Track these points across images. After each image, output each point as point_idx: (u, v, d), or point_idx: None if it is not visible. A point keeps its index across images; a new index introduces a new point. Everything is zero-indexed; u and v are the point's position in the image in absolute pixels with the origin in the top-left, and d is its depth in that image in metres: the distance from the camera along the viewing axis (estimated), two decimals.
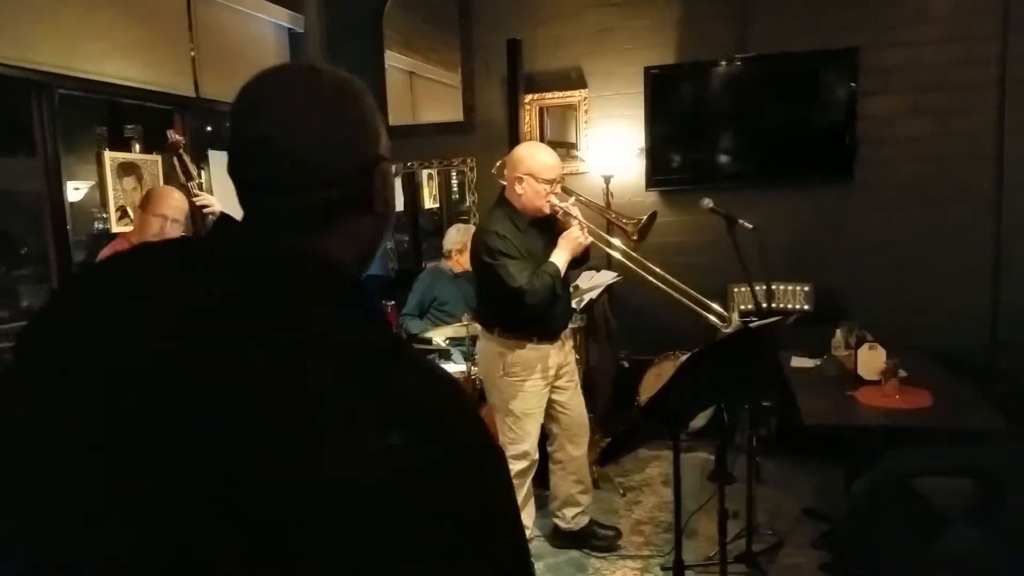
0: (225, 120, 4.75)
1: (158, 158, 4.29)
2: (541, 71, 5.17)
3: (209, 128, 4.91)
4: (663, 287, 3.16)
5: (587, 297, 4.41)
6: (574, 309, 4.36)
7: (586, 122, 5.11)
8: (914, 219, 4.68)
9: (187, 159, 3.26)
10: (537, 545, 3.40)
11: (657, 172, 4.98)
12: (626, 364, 4.87)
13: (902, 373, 3.04)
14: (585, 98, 5.11)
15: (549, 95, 5.17)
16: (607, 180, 4.90)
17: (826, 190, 4.81)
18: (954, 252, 4.64)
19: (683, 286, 3.11)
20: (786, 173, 4.83)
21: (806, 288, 4.66)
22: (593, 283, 4.46)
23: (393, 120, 5.34)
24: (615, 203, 4.96)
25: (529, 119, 5.19)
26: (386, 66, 5.48)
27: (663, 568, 3.25)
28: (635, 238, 3.11)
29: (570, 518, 3.38)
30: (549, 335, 3.15)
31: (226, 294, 0.70)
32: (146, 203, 3.20)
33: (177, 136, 3.30)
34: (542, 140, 5.26)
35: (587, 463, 3.43)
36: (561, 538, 3.42)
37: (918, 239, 4.68)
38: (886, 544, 1.91)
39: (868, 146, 4.70)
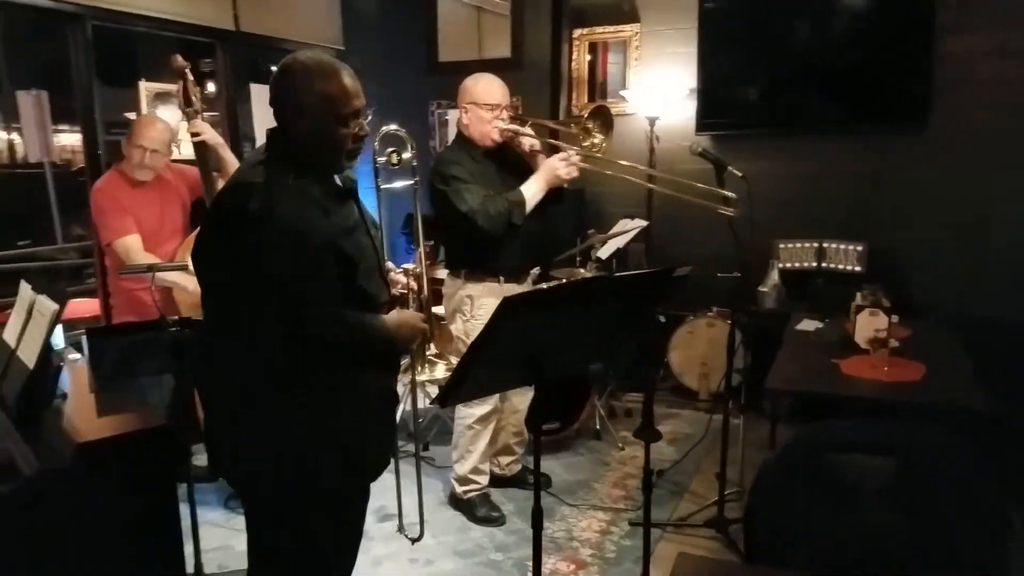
0: (266, 53, 4.84)
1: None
2: (593, 3, 4.91)
3: (253, 61, 4.96)
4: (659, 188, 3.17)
5: (613, 245, 4.25)
6: (599, 259, 4.21)
7: (637, 59, 4.82)
8: (992, 175, 4.13)
9: (190, 86, 3.19)
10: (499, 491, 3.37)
11: (708, 115, 4.63)
12: (663, 318, 4.64)
13: (894, 343, 2.72)
14: (637, 33, 4.81)
15: (600, 29, 4.91)
16: (652, 122, 4.63)
17: (894, 139, 4.32)
18: None
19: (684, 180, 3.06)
20: (850, 119, 4.37)
21: (859, 248, 4.25)
22: (619, 230, 4.28)
23: (452, 56, 5.26)
24: (659, 147, 4.70)
25: (577, 55, 4.96)
26: (448, 1, 5.39)
27: (631, 523, 3.14)
28: (595, 139, 2.95)
29: (505, 465, 3.35)
30: (513, 273, 3.05)
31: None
32: (129, 134, 3.19)
33: (181, 61, 3.20)
34: (591, 79, 5.03)
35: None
36: (494, 483, 3.36)
37: (995, 199, 4.13)
38: (791, 519, 1.77)
39: (945, 91, 4.16)
